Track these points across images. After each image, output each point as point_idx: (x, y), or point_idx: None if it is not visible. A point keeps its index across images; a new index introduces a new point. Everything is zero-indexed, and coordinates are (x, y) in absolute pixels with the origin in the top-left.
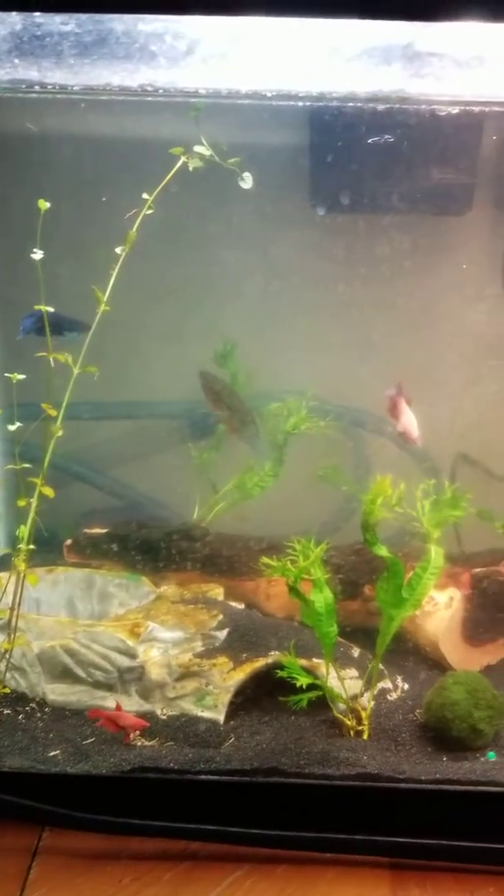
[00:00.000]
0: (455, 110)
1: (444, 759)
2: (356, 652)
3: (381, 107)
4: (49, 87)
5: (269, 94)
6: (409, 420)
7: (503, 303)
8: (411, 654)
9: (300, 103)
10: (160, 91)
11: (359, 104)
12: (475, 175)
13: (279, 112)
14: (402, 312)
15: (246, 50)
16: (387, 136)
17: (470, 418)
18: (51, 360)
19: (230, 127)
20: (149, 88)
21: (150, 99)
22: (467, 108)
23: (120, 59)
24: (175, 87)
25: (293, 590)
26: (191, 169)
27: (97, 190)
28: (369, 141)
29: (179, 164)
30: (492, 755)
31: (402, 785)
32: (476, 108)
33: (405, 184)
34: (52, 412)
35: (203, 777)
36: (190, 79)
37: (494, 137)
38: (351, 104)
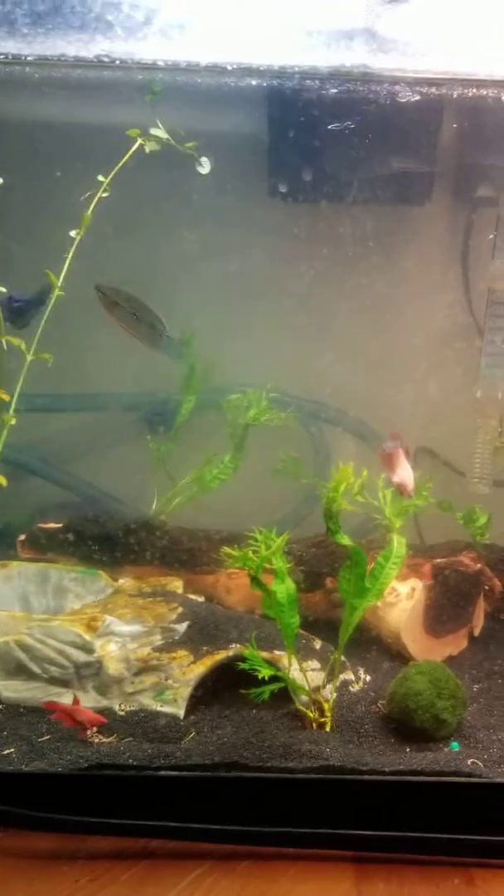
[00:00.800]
0: (416, 97)
1: (408, 750)
2: (318, 644)
3: (341, 87)
4: (1, 57)
5: (229, 68)
6: (407, 473)
7: (462, 291)
8: (373, 645)
9: (255, 80)
10: (117, 62)
11: (318, 84)
12: (435, 165)
13: (239, 97)
14: (363, 302)
15: (205, 22)
16: (347, 123)
17: (432, 407)
18: (3, 343)
19: (189, 110)
20: (105, 60)
21: (107, 73)
22: (430, 88)
23: (75, 29)
24: (133, 58)
25: (255, 580)
26: (147, 151)
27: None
28: (329, 127)
29: (136, 146)
30: (455, 745)
31: (366, 777)
32: (437, 91)
33: (365, 172)
34: (6, 397)
35: (163, 773)
36: (148, 50)
37: (454, 126)
38: (309, 83)
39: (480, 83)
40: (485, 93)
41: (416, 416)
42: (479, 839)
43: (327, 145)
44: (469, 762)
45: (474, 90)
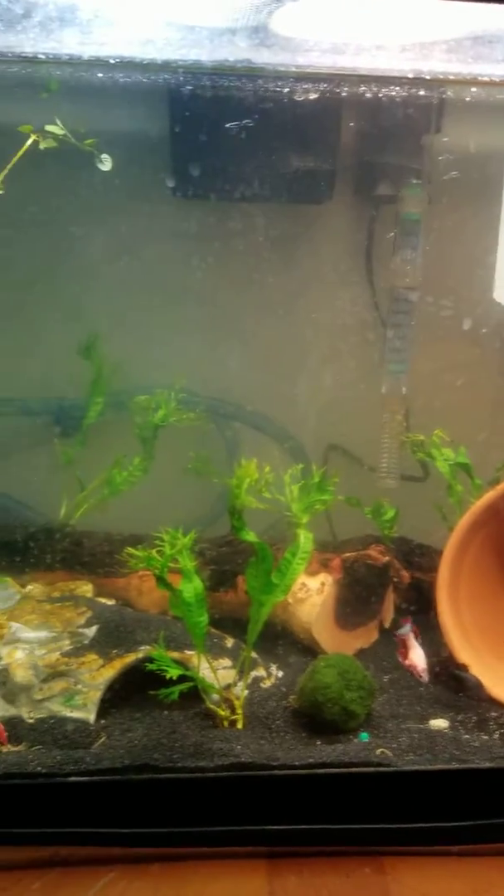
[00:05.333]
0: (313, 95)
1: (318, 743)
2: (230, 642)
3: (237, 84)
4: None
5: (111, 62)
6: (418, 656)
7: (367, 288)
8: (286, 641)
9: (146, 77)
10: None
11: (217, 81)
12: (335, 163)
13: (139, 93)
14: (270, 300)
15: (85, 15)
16: (246, 121)
17: (341, 404)
18: None
19: (89, 107)
20: None
21: None
22: (320, 84)
23: None
24: (12, 51)
25: (160, 580)
26: (41, 147)
27: None
28: (228, 125)
29: (29, 143)
30: (364, 736)
31: (277, 772)
32: (331, 88)
33: (267, 170)
34: None
35: (73, 779)
36: (28, 43)
37: (352, 123)
38: (208, 80)
39: (367, 79)
40: (377, 90)
41: (327, 414)
42: (389, 827)
43: (228, 143)
44: (378, 752)
45: (367, 87)
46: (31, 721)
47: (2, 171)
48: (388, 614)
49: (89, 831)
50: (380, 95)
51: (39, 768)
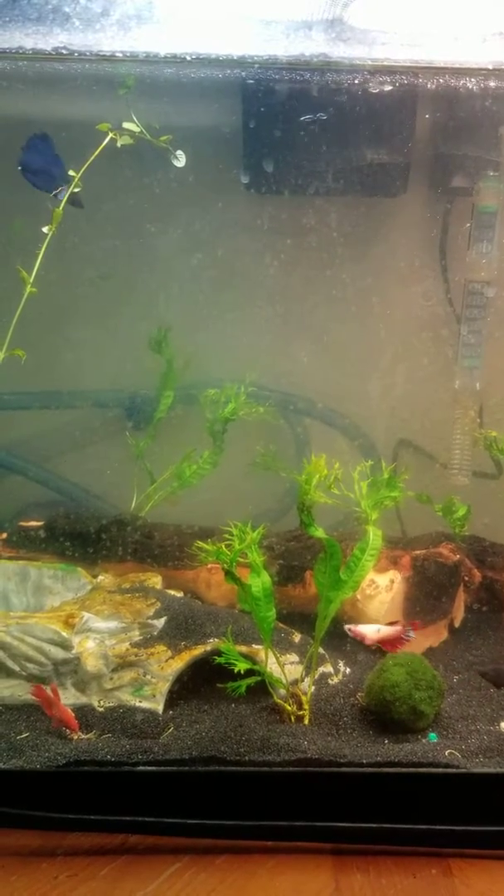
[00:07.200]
0: (388, 88)
1: (386, 741)
2: (297, 637)
3: (313, 78)
4: None
5: (188, 58)
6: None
7: (440, 282)
8: (354, 638)
9: (220, 73)
10: (75, 55)
11: (293, 75)
12: (410, 155)
13: (213, 89)
14: (345, 294)
15: (162, 12)
16: (320, 115)
17: (411, 402)
18: None
19: (163, 104)
20: (63, 52)
21: (65, 66)
22: (396, 77)
23: (32, 21)
24: (91, 50)
25: (229, 574)
26: (119, 145)
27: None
28: (302, 120)
29: (106, 140)
30: (433, 736)
31: (344, 769)
32: (408, 81)
33: (341, 164)
34: None
35: (141, 768)
36: (106, 42)
37: (428, 116)
38: (284, 74)
39: (444, 71)
40: (454, 81)
41: (398, 410)
42: (457, 829)
43: (302, 138)
44: (447, 753)
45: (443, 79)
46: (101, 710)
47: (80, 168)
48: (459, 613)
49: (156, 821)
50: (456, 87)
51: (109, 756)
